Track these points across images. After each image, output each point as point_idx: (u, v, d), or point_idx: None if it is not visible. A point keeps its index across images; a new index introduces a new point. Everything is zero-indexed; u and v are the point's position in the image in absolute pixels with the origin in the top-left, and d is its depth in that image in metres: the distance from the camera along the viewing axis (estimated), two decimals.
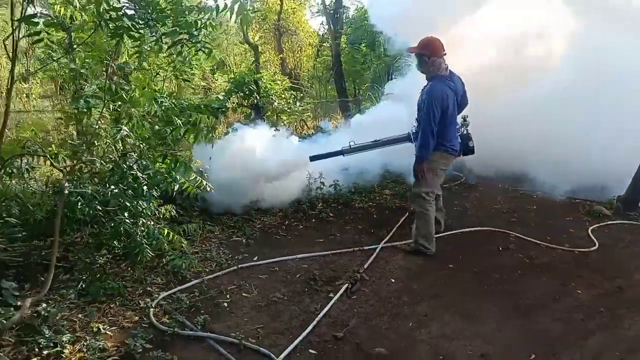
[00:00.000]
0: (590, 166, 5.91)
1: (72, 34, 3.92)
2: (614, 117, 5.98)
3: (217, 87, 8.33)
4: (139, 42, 2.92)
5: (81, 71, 3.60)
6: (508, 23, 6.83)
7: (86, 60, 3.69)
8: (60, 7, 3.06)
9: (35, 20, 2.44)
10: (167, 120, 3.42)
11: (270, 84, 6.93)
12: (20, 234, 3.52)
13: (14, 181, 3.59)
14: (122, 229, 3.29)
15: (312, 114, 10.99)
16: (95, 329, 3.08)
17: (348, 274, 4.07)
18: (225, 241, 4.71)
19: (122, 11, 2.66)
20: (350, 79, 14.16)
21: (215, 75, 8.58)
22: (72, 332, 2.99)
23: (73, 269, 3.71)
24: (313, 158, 5.47)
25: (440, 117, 4.25)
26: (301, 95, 10.07)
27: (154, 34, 2.75)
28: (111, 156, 3.51)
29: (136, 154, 3.29)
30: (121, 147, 3.51)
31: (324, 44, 17.00)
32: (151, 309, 3.35)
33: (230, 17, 3.10)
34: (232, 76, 6.75)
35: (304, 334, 3.15)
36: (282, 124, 7.36)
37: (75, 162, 3.40)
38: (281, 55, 14.28)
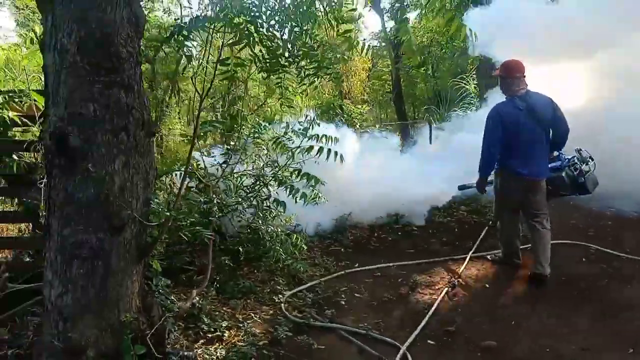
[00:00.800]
0: None
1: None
2: None
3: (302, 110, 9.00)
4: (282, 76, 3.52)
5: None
6: None
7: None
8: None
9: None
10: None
11: (352, 108, 7.51)
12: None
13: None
14: (261, 235, 3.87)
15: None
16: (241, 319, 3.66)
17: (445, 279, 4.51)
18: (326, 250, 5.25)
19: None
20: (409, 101, 14.65)
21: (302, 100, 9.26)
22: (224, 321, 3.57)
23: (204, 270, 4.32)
24: (462, 187, 5.63)
25: (506, 136, 4.29)
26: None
27: (299, 69, 3.34)
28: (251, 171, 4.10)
29: (272, 170, 3.89)
30: (261, 163, 4.10)
31: (377, 67, 17.55)
32: (283, 305, 3.90)
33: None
34: (319, 101, 7.39)
35: (420, 327, 3.61)
36: None
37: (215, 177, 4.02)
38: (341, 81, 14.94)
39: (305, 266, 4.51)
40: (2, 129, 3.91)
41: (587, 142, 4.86)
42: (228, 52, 3.67)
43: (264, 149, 4.08)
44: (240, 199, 3.86)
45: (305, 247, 4.53)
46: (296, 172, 3.72)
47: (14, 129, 4.09)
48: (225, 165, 4.04)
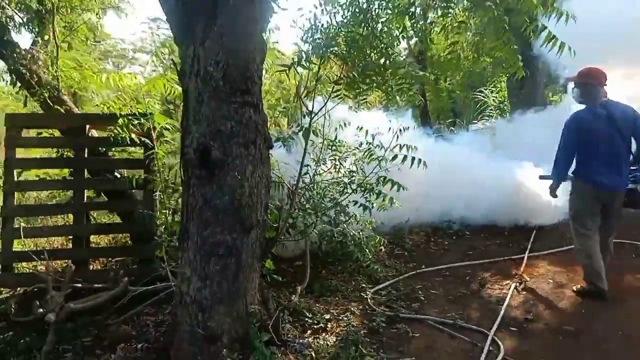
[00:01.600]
0: None
1: None
2: None
3: None
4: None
5: None
6: None
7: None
8: None
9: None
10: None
11: None
12: None
13: None
14: (346, 237, 4.27)
15: None
16: (336, 313, 4.04)
17: (509, 276, 4.86)
18: (391, 254, 5.62)
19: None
20: (434, 114, 15.10)
21: None
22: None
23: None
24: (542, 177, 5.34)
25: (585, 144, 4.24)
26: None
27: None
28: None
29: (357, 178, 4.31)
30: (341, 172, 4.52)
31: None
32: (370, 300, 4.27)
33: None
34: None
35: (500, 315, 3.97)
36: None
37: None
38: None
39: (381, 267, 4.89)
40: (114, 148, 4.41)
41: None
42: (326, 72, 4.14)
43: (344, 159, 4.49)
44: (329, 204, 4.26)
45: (383, 249, 4.91)
46: (382, 179, 4.12)
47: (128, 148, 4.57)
48: (308, 175, 4.45)
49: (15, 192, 4.42)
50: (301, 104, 3.77)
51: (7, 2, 4.40)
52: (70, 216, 4.95)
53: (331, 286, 4.48)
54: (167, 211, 4.25)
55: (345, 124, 4.56)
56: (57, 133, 4.77)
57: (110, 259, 4.88)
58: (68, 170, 4.75)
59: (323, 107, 3.75)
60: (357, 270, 4.90)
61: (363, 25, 4.05)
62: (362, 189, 4.22)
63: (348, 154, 4.52)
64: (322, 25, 4.10)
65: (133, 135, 3.99)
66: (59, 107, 4.64)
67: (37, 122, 4.72)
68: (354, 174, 4.30)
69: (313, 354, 3.38)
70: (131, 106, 4.01)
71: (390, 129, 4.06)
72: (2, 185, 4.36)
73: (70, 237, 4.60)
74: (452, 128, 13.18)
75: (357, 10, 4.08)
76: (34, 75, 4.59)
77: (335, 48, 3.78)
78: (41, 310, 3.82)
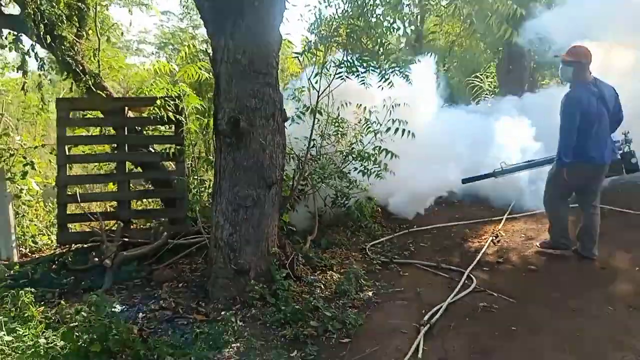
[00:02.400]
0: None
1: None
2: None
3: None
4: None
5: None
6: None
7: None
8: None
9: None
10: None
11: None
12: None
13: None
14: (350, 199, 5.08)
15: None
16: (340, 260, 4.86)
17: (488, 233, 5.67)
18: (388, 217, 6.41)
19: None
20: None
21: None
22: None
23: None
24: (465, 180, 6.12)
25: (580, 124, 4.30)
26: None
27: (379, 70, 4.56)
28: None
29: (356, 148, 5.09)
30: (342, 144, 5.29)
31: None
32: (368, 251, 5.09)
33: None
34: None
35: (476, 260, 4.78)
36: None
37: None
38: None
39: (379, 227, 5.70)
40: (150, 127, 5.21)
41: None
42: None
43: (345, 134, 5.26)
44: (335, 171, 5.05)
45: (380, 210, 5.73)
46: (379, 149, 4.91)
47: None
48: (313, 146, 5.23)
49: (67, 165, 5.22)
50: (311, 86, 4.55)
51: (55, 2, 5.15)
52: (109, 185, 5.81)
53: (335, 240, 5.30)
54: (197, 178, 5.05)
55: (346, 104, 5.33)
56: (98, 115, 5.57)
57: (148, 220, 5.71)
58: (110, 146, 5.54)
59: (328, 86, 4.54)
60: (358, 229, 5.69)
61: (360, 17, 4.82)
62: (360, 158, 5.01)
63: (349, 128, 5.28)
64: (326, 18, 4.87)
65: (170, 114, 4.78)
66: (100, 92, 5.42)
67: (83, 105, 5.53)
68: (354, 145, 5.07)
69: (322, 286, 4.20)
70: (167, 89, 4.79)
71: (384, 105, 4.83)
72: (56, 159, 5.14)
73: (116, 201, 5.41)
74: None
75: (355, 4, 4.84)
76: (79, 65, 5.37)
77: (337, 38, 4.55)
78: (96, 259, 4.66)
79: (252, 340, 3.33)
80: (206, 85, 5.52)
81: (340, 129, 5.38)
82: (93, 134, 5.76)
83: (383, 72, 4.60)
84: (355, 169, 5.14)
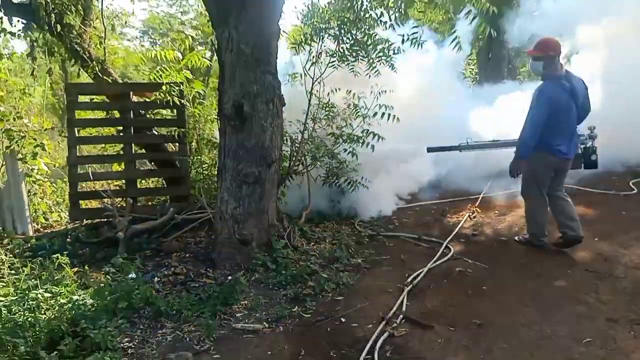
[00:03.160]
0: None
1: None
2: None
3: None
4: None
5: None
6: None
7: None
8: None
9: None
10: None
11: None
12: None
13: None
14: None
15: None
16: (331, 233, 5.35)
17: (466, 209, 6.20)
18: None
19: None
20: None
21: None
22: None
23: None
24: (430, 149, 6.26)
25: (549, 116, 4.31)
26: None
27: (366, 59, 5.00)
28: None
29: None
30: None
31: None
32: (357, 225, 5.59)
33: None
34: None
35: (454, 233, 5.31)
36: None
37: None
38: None
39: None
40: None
41: None
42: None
43: (335, 118, 5.69)
44: (327, 152, 5.50)
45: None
46: (366, 131, 5.37)
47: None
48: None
49: (77, 145, 5.60)
50: (305, 73, 4.99)
51: None
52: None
53: (327, 216, 5.79)
54: (200, 158, 5.48)
55: (336, 89, 5.74)
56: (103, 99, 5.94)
57: (151, 199, 6.14)
58: (115, 128, 5.93)
59: (322, 74, 4.99)
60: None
61: (350, 10, 5.24)
62: (350, 140, 5.46)
63: (338, 113, 5.70)
64: (319, 9, 5.28)
65: (175, 99, 5.17)
66: (106, 78, 5.78)
67: (92, 89, 5.89)
68: (344, 128, 5.52)
69: (316, 254, 4.70)
70: (172, 75, 5.19)
71: (372, 92, 5.28)
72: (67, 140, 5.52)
73: (124, 180, 5.81)
74: None
75: None
76: (86, 52, 5.73)
77: (329, 30, 4.97)
78: (109, 233, 5.08)
79: (258, 298, 3.81)
80: (207, 72, 5.91)
81: (331, 113, 5.80)
82: (99, 117, 6.12)
83: (371, 60, 5.05)
84: (345, 150, 5.59)
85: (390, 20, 4.85)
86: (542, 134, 4.36)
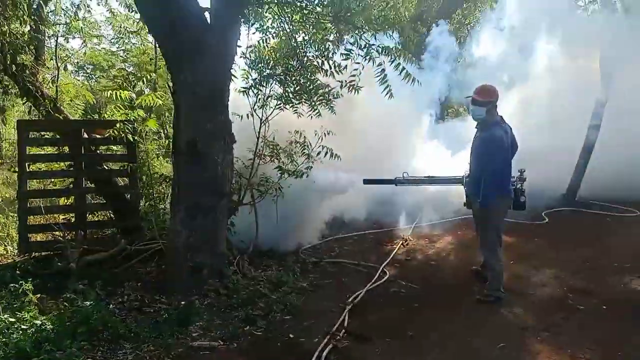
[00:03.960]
0: None
1: None
2: None
3: None
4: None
5: None
6: None
7: None
8: None
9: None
10: None
11: None
12: None
13: None
14: None
15: None
16: (277, 261, 5.73)
17: (399, 238, 6.78)
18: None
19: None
20: None
21: None
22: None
23: None
24: (367, 182, 6.49)
25: (500, 163, 4.46)
26: None
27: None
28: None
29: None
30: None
31: None
32: (301, 254, 6.01)
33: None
34: None
35: (390, 258, 5.85)
36: None
37: None
38: None
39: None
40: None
41: None
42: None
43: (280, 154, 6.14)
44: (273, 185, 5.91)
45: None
46: (309, 168, 5.84)
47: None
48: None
49: (27, 180, 5.72)
50: (254, 113, 5.45)
51: (19, 34, 5.71)
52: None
53: (273, 245, 6.17)
54: (152, 192, 5.75)
55: (277, 130, 6.19)
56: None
57: (103, 230, 6.29)
58: (66, 164, 6.08)
59: (269, 115, 5.49)
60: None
61: (294, 58, 5.78)
62: (295, 175, 5.92)
63: (281, 151, 6.14)
64: (265, 57, 5.79)
65: (129, 135, 5.45)
66: (58, 115, 5.98)
67: (42, 126, 6.05)
68: (289, 164, 5.97)
69: (264, 279, 5.06)
70: (126, 114, 5.48)
71: (315, 133, 5.80)
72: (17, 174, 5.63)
73: (73, 214, 5.94)
74: None
75: (290, 45, 5.80)
76: (38, 90, 5.92)
77: (276, 76, 5.49)
78: (59, 264, 5.21)
79: (212, 319, 4.13)
80: (161, 111, 6.24)
81: (275, 151, 6.26)
82: (49, 152, 6.25)
83: (312, 103, 5.61)
84: (289, 185, 6.02)
85: (330, 69, 5.41)
86: (498, 178, 4.48)
